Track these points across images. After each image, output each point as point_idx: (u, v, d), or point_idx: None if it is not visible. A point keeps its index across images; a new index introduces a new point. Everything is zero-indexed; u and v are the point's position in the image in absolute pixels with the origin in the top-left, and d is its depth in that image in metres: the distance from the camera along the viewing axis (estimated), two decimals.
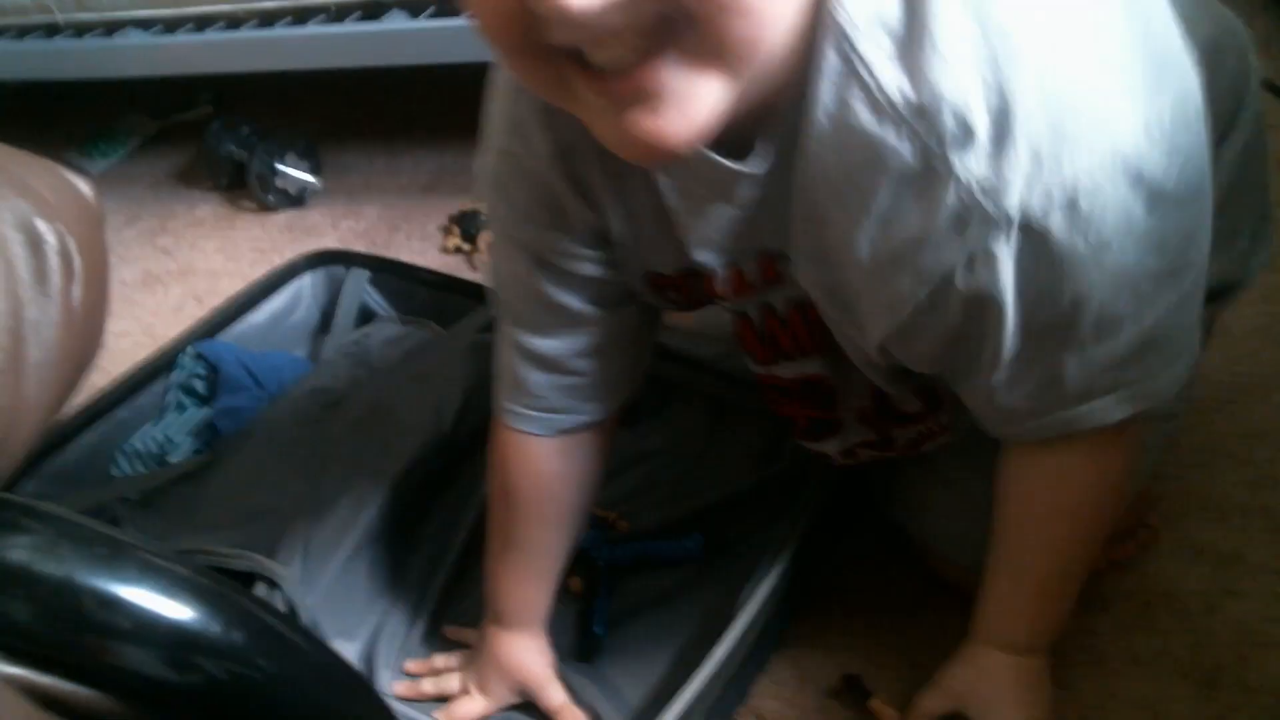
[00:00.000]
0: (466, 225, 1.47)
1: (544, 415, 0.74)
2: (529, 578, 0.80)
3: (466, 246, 1.46)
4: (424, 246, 1.51)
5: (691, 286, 0.67)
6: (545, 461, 0.76)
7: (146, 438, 1.12)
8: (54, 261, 0.26)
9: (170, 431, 1.13)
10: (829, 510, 0.86)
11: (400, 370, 1.10)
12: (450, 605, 0.91)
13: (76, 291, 0.26)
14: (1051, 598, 0.71)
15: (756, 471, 0.95)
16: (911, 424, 0.74)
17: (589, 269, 0.67)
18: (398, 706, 0.79)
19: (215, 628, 0.30)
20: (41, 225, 0.26)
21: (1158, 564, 0.87)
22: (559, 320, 0.70)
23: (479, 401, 0.96)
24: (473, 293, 1.17)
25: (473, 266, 1.43)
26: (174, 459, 1.09)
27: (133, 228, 1.73)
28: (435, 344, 1.14)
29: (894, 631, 0.86)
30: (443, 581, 0.91)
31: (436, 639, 0.89)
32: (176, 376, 1.17)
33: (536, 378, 0.72)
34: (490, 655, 0.81)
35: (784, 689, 0.84)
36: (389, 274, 1.25)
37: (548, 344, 0.71)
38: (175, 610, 0.29)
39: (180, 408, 1.16)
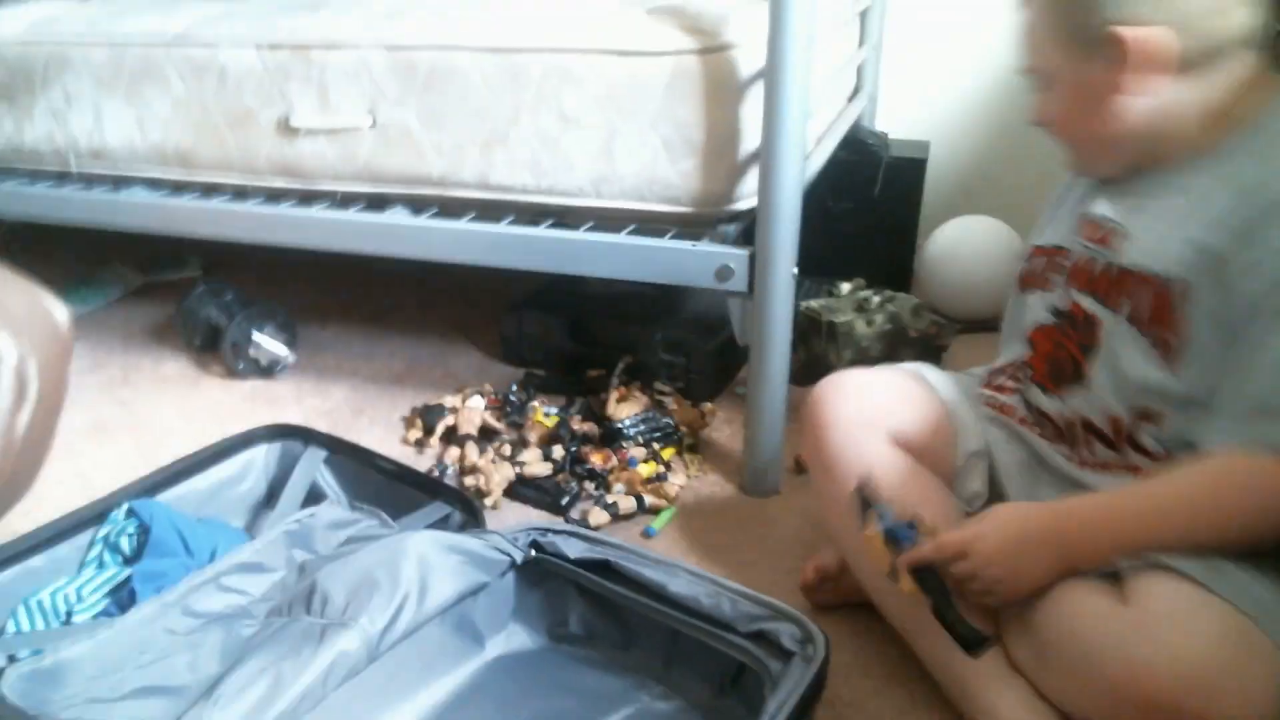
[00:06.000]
0: (430, 418, 1.47)
1: None
2: None
3: (426, 439, 1.45)
4: (386, 435, 1.50)
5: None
6: None
7: (56, 591, 1.05)
8: (7, 380, 0.24)
9: (83, 588, 1.06)
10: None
11: (340, 558, 1.06)
12: None
13: (24, 417, 0.25)
14: (1158, 532, 0.80)
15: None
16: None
17: None
18: None
19: None
20: (3, 339, 0.25)
21: None
22: None
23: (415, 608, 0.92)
24: (426, 486, 1.14)
25: (424, 459, 1.41)
26: (79, 618, 1.03)
27: (94, 375, 1.70)
28: (381, 536, 1.10)
29: None
30: None
31: None
32: (105, 531, 1.11)
33: None
34: None
35: None
36: (346, 456, 1.22)
37: None
38: None
39: (101, 564, 1.10)
